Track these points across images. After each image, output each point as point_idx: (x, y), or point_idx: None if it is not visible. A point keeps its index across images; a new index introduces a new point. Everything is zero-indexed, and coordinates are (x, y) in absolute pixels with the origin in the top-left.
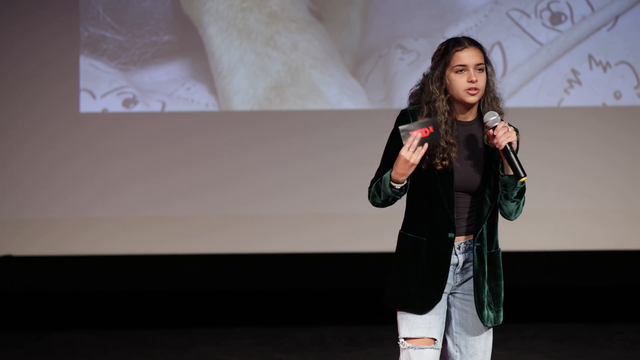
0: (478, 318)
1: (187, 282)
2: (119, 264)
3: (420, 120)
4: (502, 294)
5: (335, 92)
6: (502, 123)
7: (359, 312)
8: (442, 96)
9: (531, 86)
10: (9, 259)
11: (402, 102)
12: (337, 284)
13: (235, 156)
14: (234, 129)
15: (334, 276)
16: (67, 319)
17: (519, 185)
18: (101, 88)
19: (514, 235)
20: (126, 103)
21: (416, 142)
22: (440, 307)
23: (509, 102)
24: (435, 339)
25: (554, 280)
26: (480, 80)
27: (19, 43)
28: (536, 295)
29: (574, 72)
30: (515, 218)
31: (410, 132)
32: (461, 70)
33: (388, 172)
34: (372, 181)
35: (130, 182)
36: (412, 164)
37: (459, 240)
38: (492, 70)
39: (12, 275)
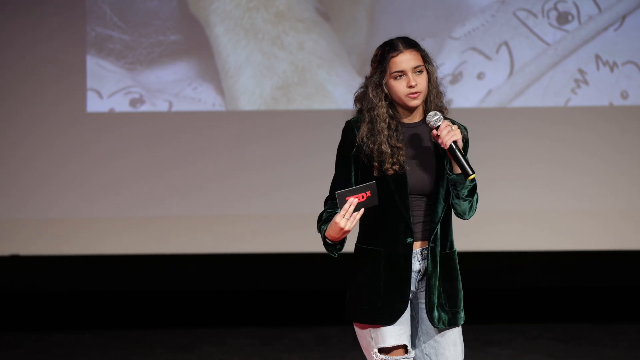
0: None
1: (189, 282)
2: (121, 263)
3: (357, 186)
4: (461, 295)
5: (341, 92)
6: (445, 122)
7: None
8: (382, 102)
9: (538, 86)
10: (14, 259)
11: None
12: (340, 284)
13: (241, 156)
14: (240, 128)
15: (337, 276)
16: (67, 319)
17: (468, 183)
18: (108, 88)
19: (518, 235)
20: (133, 103)
21: (352, 208)
22: (407, 313)
23: (515, 102)
24: (406, 346)
25: (557, 280)
26: (420, 82)
27: (25, 43)
28: (540, 296)
29: (581, 72)
30: (470, 217)
31: (346, 198)
32: (400, 76)
33: (325, 225)
34: (326, 200)
35: (135, 182)
36: (346, 231)
37: (418, 247)
38: (433, 67)
39: (13, 275)
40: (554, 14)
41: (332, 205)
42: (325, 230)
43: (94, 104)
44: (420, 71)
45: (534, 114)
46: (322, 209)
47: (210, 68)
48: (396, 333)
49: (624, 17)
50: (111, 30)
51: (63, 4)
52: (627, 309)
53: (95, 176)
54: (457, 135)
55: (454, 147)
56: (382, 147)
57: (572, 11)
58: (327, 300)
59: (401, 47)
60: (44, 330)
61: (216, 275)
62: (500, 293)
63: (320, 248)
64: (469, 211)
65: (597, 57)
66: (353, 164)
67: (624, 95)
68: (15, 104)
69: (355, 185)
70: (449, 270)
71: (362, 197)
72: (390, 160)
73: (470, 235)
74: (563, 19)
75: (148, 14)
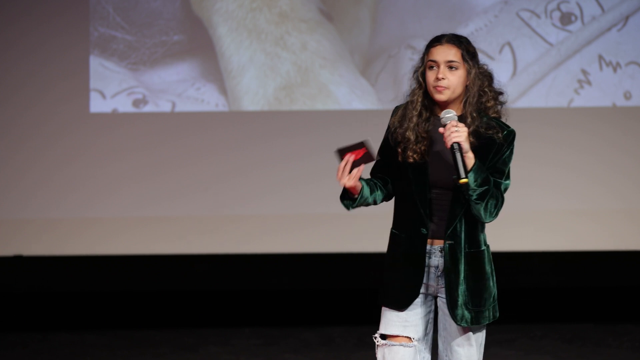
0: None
1: (194, 282)
2: (125, 263)
3: (353, 143)
4: (490, 294)
5: (344, 92)
6: (453, 122)
7: (367, 312)
8: (418, 90)
9: (541, 86)
10: (18, 259)
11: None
12: (346, 284)
13: (245, 156)
14: (243, 129)
15: (342, 276)
16: (73, 319)
17: (474, 186)
18: (111, 88)
19: (522, 236)
20: (136, 103)
21: (348, 166)
22: (423, 307)
23: (518, 103)
24: (411, 338)
25: (562, 280)
26: (450, 78)
27: (28, 44)
28: (544, 296)
29: (584, 72)
30: (490, 220)
31: (343, 155)
32: (432, 67)
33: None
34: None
35: (139, 182)
36: (350, 187)
37: (440, 243)
38: (476, 69)
39: (17, 275)
40: (557, 14)
41: (371, 176)
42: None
43: (97, 105)
44: (454, 67)
45: (537, 115)
46: (327, 208)
47: (213, 68)
48: (401, 324)
49: (627, 18)
50: (114, 30)
51: (66, 4)
52: (631, 310)
53: (98, 176)
54: (460, 137)
55: (455, 147)
56: (407, 134)
57: (575, 11)
58: (332, 300)
59: (442, 40)
60: (49, 330)
61: (221, 275)
62: (504, 293)
63: (325, 248)
64: (484, 215)
65: (600, 57)
66: (385, 146)
67: (627, 95)
68: (18, 104)
69: (384, 168)
70: (475, 269)
71: (358, 154)
72: (413, 148)
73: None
74: (566, 19)
75: (151, 14)
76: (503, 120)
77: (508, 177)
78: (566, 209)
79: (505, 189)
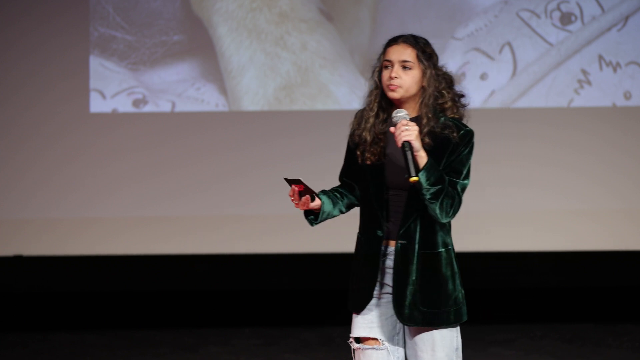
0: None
1: (194, 282)
2: (125, 263)
3: (293, 178)
4: (448, 296)
5: (344, 92)
6: (403, 121)
7: None
8: (375, 91)
9: (541, 86)
10: (17, 259)
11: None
12: (345, 284)
13: (245, 156)
14: (243, 129)
15: (342, 276)
16: (73, 319)
17: (426, 186)
18: (111, 88)
19: (521, 235)
20: (136, 103)
21: (297, 195)
22: (387, 308)
23: (518, 103)
24: (379, 339)
25: (562, 280)
26: (404, 77)
27: (28, 43)
28: (544, 296)
29: (584, 72)
30: (446, 220)
31: (292, 185)
32: (387, 66)
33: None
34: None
35: (139, 182)
36: (303, 210)
37: (394, 244)
38: (432, 70)
39: (17, 275)
40: (557, 14)
41: (339, 180)
42: None
43: (97, 105)
44: (408, 67)
45: (537, 115)
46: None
47: (213, 68)
48: (366, 325)
49: (627, 18)
50: (114, 30)
51: (66, 4)
52: (631, 310)
53: (98, 176)
54: (409, 136)
55: (405, 146)
56: (364, 134)
57: (575, 11)
58: (332, 300)
59: (399, 40)
60: (49, 330)
61: (221, 275)
62: (504, 293)
63: (324, 248)
64: (440, 214)
65: (600, 57)
66: (349, 150)
67: (627, 95)
68: (18, 104)
69: (350, 172)
70: (429, 270)
71: (301, 187)
72: (370, 149)
73: (473, 235)
74: (566, 19)
75: (151, 14)
76: (464, 122)
77: (467, 177)
78: (566, 209)
79: (463, 189)
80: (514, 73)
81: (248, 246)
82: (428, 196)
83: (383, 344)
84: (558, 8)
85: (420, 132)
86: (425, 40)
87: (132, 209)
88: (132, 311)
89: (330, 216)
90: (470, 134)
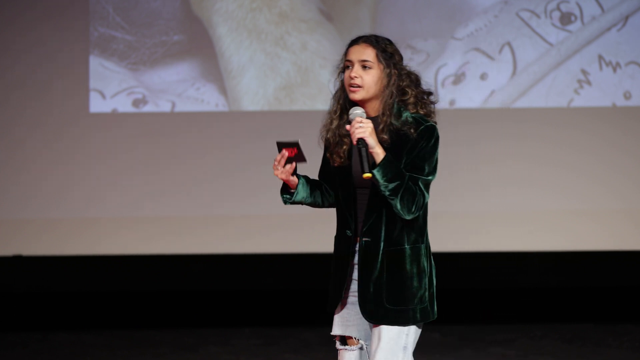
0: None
1: (194, 282)
2: (125, 263)
3: (290, 140)
4: (413, 294)
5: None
6: (357, 118)
7: None
8: (340, 93)
9: (541, 86)
10: (17, 259)
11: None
12: None
13: (245, 156)
14: (243, 129)
15: None
16: (72, 319)
17: (383, 182)
18: (111, 88)
19: (521, 235)
20: (136, 103)
21: (283, 160)
22: (352, 306)
23: (518, 103)
24: (355, 338)
25: (562, 280)
26: (365, 77)
27: (28, 43)
28: (544, 296)
29: (584, 72)
30: (410, 217)
31: (283, 149)
32: (348, 67)
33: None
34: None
35: (139, 182)
36: (282, 179)
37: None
38: (394, 70)
39: (17, 275)
40: (557, 14)
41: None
42: None
43: (97, 104)
44: (368, 67)
45: (537, 115)
46: (329, 208)
47: (213, 68)
48: (343, 324)
49: (627, 18)
50: (114, 30)
51: (65, 3)
52: (631, 310)
53: (98, 176)
54: (363, 133)
55: (359, 143)
56: (329, 136)
57: (575, 11)
58: None
59: (360, 40)
60: (49, 330)
61: (221, 275)
62: (504, 293)
63: (325, 248)
64: (402, 211)
65: (600, 57)
66: (324, 155)
67: (627, 95)
68: (17, 104)
69: (324, 174)
70: (394, 267)
71: (292, 152)
72: (336, 150)
73: (473, 235)
74: (566, 19)
75: (151, 14)
76: (434, 119)
77: (432, 172)
78: (566, 208)
79: (427, 184)
80: (514, 73)
81: (248, 246)
82: (387, 193)
83: (359, 342)
84: (558, 8)
85: (381, 129)
86: (387, 40)
87: (132, 208)
88: (132, 311)
89: (305, 201)
90: (430, 129)
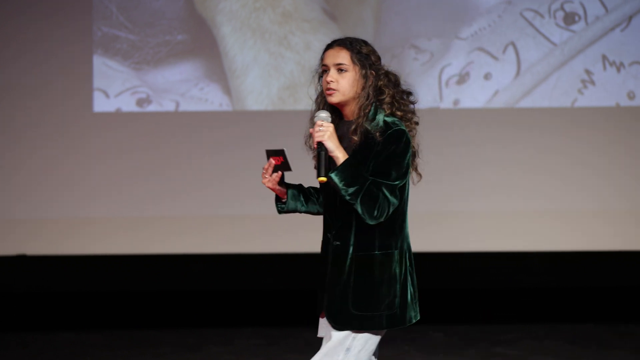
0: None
1: (195, 282)
2: (127, 263)
3: (277, 148)
4: (380, 300)
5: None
6: (319, 122)
7: None
8: (321, 97)
9: (545, 86)
10: (18, 259)
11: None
12: None
13: (249, 155)
14: (247, 128)
15: None
16: (73, 319)
17: (341, 186)
18: (115, 87)
19: (525, 235)
20: (140, 102)
21: (270, 169)
22: None
23: (522, 103)
24: None
25: (565, 280)
26: (340, 81)
27: (31, 43)
28: (547, 296)
29: (588, 72)
30: (374, 222)
31: (270, 157)
32: (325, 71)
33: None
34: None
35: (143, 181)
36: (269, 188)
37: None
38: (369, 72)
39: (17, 274)
40: (560, 14)
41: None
42: None
43: (101, 104)
44: (344, 70)
45: (541, 115)
46: None
47: (217, 68)
48: (322, 326)
49: (630, 18)
50: (118, 30)
51: (69, 3)
52: (634, 310)
53: (102, 175)
54: (321, 137)
55: (319, 147)
56: (309, 142)
57: (578, 11)
58: None
59: (334, 43)
60: (49, 330)
61: (222, 275)
62: (507, 293)
63: None
64: (365, 215)
65: (604, 57)
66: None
67: (631, 95)
68: (21, 104)
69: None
70: (363, 273)
71: (278, 160)
72: (315, 155)
73: (473, 235)
74: (570, 19)
75: (154, 13)
76: (415, 120)
77: (399, 177)
78: (569, 208)
79: (392, 189)
80: (517, 73)
81: (249, 246)
82: (347, 197)
83: None
84: (562, 8)
85: (352, 130)
86: (362, 41)
87: (135, 208)
88: (132, 311)
89: (301, 211)
90: (397, 134)
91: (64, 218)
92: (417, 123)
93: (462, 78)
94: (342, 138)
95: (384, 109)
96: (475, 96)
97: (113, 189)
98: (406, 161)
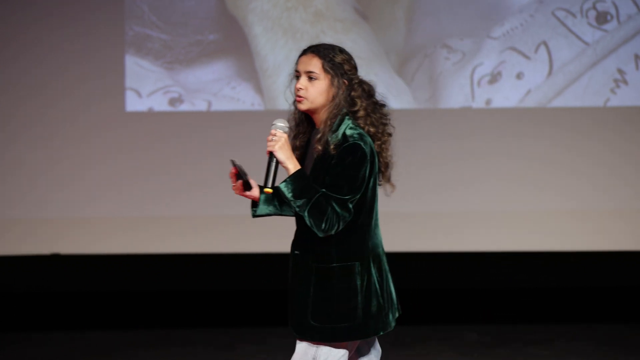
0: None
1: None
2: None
3: (234, 160)
4: (337, 313)
5: (380, 91)
6: (272, 131)
7: None
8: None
9: (577, 86)
10: (54, 257)
11: (447, 101)
12: None
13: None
14: None
15: None
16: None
17: (290, 198)
18: (147, 87)
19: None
20: (172, 102)
21: (233, 178)
22: None
23: (555, 102)
24: None
25: (603, 280)
26: (310, 88)
27: (63, 42)
28: (583, 296)
29: (620, 71)
30: (322, 234)
31: (233, 167)
32: (297, 77)
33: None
34: None
35: (176, 180)
36: (238, 194)
37: None
38: (340, 80)
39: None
40: (592, 13)
41: None
42: None
43: (133, 103)
44: (314, 78)
45: (573, 114)
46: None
47: (248, 67)
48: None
49: None
50: (150, 29)
51: (101, 2)
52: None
53: (135, 175)
54: (272, 147)
55: (270, 157)
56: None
57: (611, 11)
58: None
59: (308, 50)
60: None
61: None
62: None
63: None
64: (313, 227)
65: (637, 56)
66: None
67: None
68: (53, 103)
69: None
70: (321, 284)
71: (236, 170)
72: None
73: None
74: (602, 18)
75: (186, 13)
76: (388, 131)
77: (353, 192)
78: (602, 208)
79: (342, 203)
80: (549, 72)
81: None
82: (296, 208)
83: None
84: (594, 7)
85: (317, 139)
86: (338, 49)
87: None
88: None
89: (273, 214)
90: (352, 148)
91: (94, 218)
92: (390, 135)
93: (494, 77)
94: (309, 146)
95: (358, 121)
96: (507, 95)
97: (147, 189)
98: (361, 174)
